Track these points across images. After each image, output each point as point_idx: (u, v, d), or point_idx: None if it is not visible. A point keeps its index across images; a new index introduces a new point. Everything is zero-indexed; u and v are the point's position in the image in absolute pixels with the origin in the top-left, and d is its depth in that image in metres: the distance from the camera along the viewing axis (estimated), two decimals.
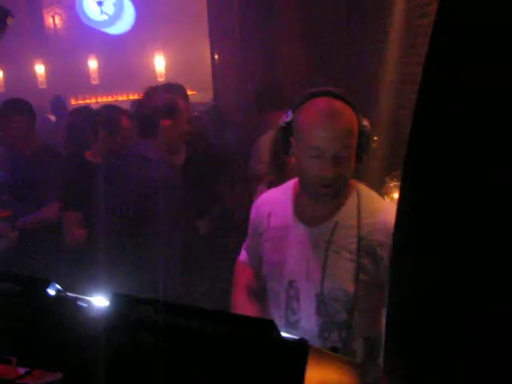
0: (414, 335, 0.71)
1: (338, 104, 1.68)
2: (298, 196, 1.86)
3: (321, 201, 1.79)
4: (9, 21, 3.74)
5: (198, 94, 8.40)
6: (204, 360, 0.74)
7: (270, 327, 0.72)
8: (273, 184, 3.02)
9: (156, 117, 2.49)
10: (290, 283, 1.82)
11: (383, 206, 1.83)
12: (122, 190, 2.42)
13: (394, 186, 3.36)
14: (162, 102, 2.51)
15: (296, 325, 1.82)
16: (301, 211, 1.85)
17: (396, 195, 3.34)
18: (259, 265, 2.05)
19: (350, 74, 4.84)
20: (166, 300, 0.80)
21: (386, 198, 3.39)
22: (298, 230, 1.83)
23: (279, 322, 1.84)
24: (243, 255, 2.14)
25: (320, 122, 1.66)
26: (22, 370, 1.10)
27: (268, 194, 2.05)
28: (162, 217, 2.33)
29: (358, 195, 1.80)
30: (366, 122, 1.73)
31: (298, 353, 0.71)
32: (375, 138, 4.16)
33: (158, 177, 2.41)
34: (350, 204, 1.78)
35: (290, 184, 1.92)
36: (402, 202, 0.75)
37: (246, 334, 0.71)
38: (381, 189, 3.44)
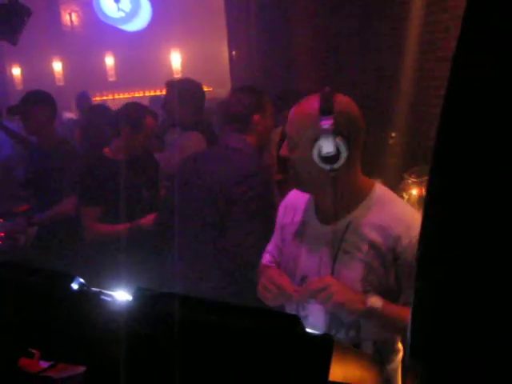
0: (438, 338, 0.71)
1: (307, 100, 1.75)
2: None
3: (284, 184, 1.86)
4: (27, 19, 3.79)
5: (214, 91, 8.41)
6: (228, 354, 0.74)
7: (296, 322, 0.72)
8: (281, 183, 3.06)
9: (248, 112, 2.62)
10: (303, 278, 1.84)
11: (399, 209, 1.80)
12: (214, 182, 2.51)
13: (412, 182, 3.33)
14: (252, 98, 2.64)
15: (305, 320, 1.83)
16: (319, 208, 1.87)
17: (414, 192, 3.32)
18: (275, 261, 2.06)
19: (368, 70, 4.81)
20: (190, 295, 0.80)
21: (403, 194, 3.37)
22: (314, 226, 1.85)
23: None
24: (266, 258, 2.11)
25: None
26: (44, 364, 1.11)
27: (295, 191, 2.04)
28: (254, 207, 2.46)
29: (376, 198, 1.79)
30: (326, 126, 1.69)
31: (324, 348, 0.71)
32: (393, 135, 4.14)
33: (253, 168, 2.53)
34: (366, 206, 1.78)
35: None
36: (428, 202, 0.74)
37: (271, 329, 0.71)
38: (399, 185, 3.42)
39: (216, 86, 8.32)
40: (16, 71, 10.79)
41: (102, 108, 4.98)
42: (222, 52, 7.87)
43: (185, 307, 0.78)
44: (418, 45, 4.00)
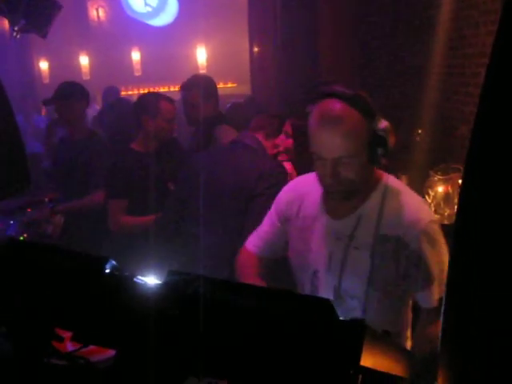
0: (472, 334, 0.70)
1: (340, 109, 1.63)
2: None
3: (335, 199, 1.77)
4: (57, 12, 3.83)
5: (238, 87, 8.41)
6: (260, 338, 0.75)
7: (329, 307, 0.73)
8: None
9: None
10: (314, 273, 1.84)
11: (409, 202, 1.76)
12: (232, 175, 2.56)
13: (439, 179, 3.31)
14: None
15: None
16: (328, 203, 1.84)
17: (440, 189, 3.30)
18: (273, 252, 2.05)
19: (395, 66, 4.77)
20: (224, 278, 0.81)
21: (429, 191, 3.35)
22: (324, 221, 1.83)
23: None
24: (252, 243, 2.10)
25: (318, 129, 1.67)
26: (71, 347, 1.13)
27: (300, 181, 2.04)
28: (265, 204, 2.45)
29: (384, 190, 1.75)
30: (381, 124, 1.64)
31: (356, 332, 0.71)
32: (419, 131, 4.11)
33: (273, 166, 2.60)
34: (375, 199, 1.75)
35: None
36: (464, 195, 0.73)
37: (305, 313, 0.72)
38: (425, 182, 3.40)
39: (241, 83, 8.34)
40: (43, 65, 10.90)
41: (124, 102, 4.99)
42: (248, 48, 7.86)
43: (218, 290, 0.79)
44: (446, 41, 3.97)
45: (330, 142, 1.64)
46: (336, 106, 1.64)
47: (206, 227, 2.52)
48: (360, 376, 0.73)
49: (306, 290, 1.86)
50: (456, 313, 0.75)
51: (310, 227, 1.87)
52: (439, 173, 3.33)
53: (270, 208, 2.47)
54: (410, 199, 1.78)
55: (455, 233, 0.77)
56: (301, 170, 2.90)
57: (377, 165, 1.71)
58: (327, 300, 0.73)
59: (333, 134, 1.63)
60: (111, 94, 6.24)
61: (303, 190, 1.94)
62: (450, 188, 3.28)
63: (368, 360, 0.78)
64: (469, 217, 0.73)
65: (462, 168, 3.24)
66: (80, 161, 3.53)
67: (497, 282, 0.67)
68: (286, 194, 2.01)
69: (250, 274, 2.00)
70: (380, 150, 1.65)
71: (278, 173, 2.55)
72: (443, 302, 0.78)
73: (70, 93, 3.62)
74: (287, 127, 2.83)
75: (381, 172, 1.80)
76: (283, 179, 2.56)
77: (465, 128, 3.89)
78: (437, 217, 3.30)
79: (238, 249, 2.48)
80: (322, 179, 1.72)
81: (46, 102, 3.81)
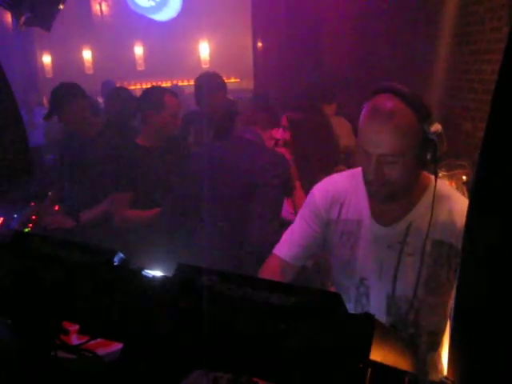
0: (481, 327, 0.70)
1: (394, 104, 1.56)
2: None
3: (377, 200, 1.72)
4: (61, 6, 3.82)
5: (242, 82, 8.41)
6: (269, 330, 0.75)
7: (338, 301, 0.72)
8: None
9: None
10: (361, 280, 1.79)
11: (460, 207, 1.68)
12: (234, 170, 2.61)
13: (443, 175, 3.30)
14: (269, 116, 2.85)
15: None
16: (374, 207, 1.77)
17: None
18: (308, 258, 2.00)
19: (398, 63, 4.76)
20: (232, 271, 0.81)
21: None
22: (372, 228, 1.76)
23: None
24: (283, 251, 1.95)
25: (367, 122, 1.61)
26: (76, 341, 1.13)
27: (334, 181, 1.92)
28: (279, 194, 2.58)
29: (433, 192, 1.64)
30: (433, 127, 1.56)
31: (366, 327, 0.71)
32: None
33: (277, 157, 2.65)
34: (424, 202, 1.69)
35: (360, 173, 1.76)
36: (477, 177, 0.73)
37: (314, 307, 0.72)
38: None
39: (244, 78, 8.34)
40: (46, 59, 10.91)
41: (123, 91, 4.96)
42: (251, 43, 7.86)
43: (227, 283, 0.79)
44: (452, 37, 3.95)
45: (377, 137, 1.57)
46: (390, 100, 1.57)
47: (210, 220, 2.54)
48: (369, 370, 0.73)
49: (351, 295, 1.82)
50: (466, 311, 0.75)
51: (355, 232, 1.79)
52: (443, 169, 3.32)
53: (275, 198, 2.49)
54: (460, 204, 1.70)
55: (466, 228, 0.77)
56: (297, 163, 2.92)
57: (423, 169, 1.65)
58: (337, 294, 0.73)
59: (382, 129, 1.56)
60: (108, 87, 6.25)
61: (341, 190, 1.85)
62: (454, 184, 3.27)
63: (377, 354, 0.78)
64: (480, 214, 0.73)
65: (466, 164, 3.24)
66: (92, 158, 3.47)
67: (509, 279, 0.67)
68: (321, 195, 1.88)
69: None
70: (429, 155, 1.57)
71: (280, 163, 2.58)
72: (453, 302, 0.77)
73: (64, 96, 3.53)
74: (284, 121, 2.86)
75: (429, 175, 1.73)
76: (287, 169, 2.59)
77: (469, 124, 3.88)
78: None
79: (242, 239, 2.49)
80: (365, 176, 1.67)
81: (46, 118, 3.73)
